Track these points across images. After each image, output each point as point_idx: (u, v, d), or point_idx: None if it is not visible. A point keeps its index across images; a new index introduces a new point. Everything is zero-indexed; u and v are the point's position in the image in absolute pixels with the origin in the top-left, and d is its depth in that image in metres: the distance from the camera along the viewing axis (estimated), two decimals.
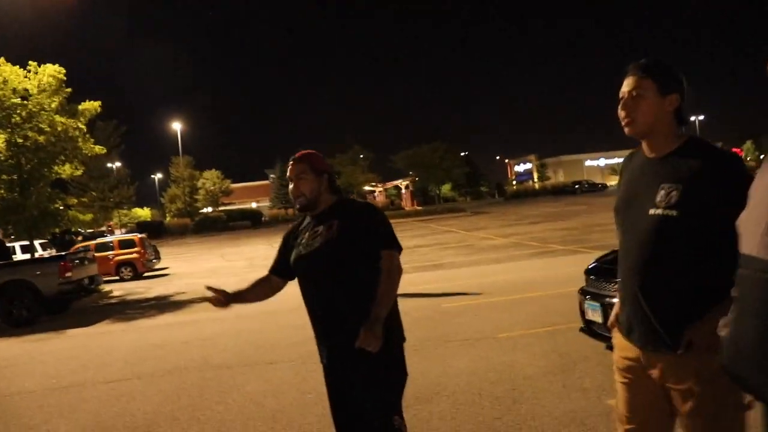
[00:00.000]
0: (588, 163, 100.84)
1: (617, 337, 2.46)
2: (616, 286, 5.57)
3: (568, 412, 4.58)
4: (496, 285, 11.39)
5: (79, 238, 43.06)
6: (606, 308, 5.60)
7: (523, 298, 9.63)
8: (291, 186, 3.09)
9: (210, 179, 74.70)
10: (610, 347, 5.46)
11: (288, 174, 3.09)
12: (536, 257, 15.72)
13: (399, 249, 2.96)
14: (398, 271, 2.89)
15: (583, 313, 6.11)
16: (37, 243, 19.99)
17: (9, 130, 15.19)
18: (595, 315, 5.81)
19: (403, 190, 70.94)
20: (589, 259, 13.57)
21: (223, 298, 3.17)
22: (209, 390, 6.15)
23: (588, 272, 6.30)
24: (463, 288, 11.30)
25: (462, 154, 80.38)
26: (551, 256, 15.56)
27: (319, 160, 3.13)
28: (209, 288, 3.17)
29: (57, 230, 20.41)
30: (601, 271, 6.07)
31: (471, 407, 4.91)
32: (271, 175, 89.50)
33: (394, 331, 2.90)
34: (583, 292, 6.20)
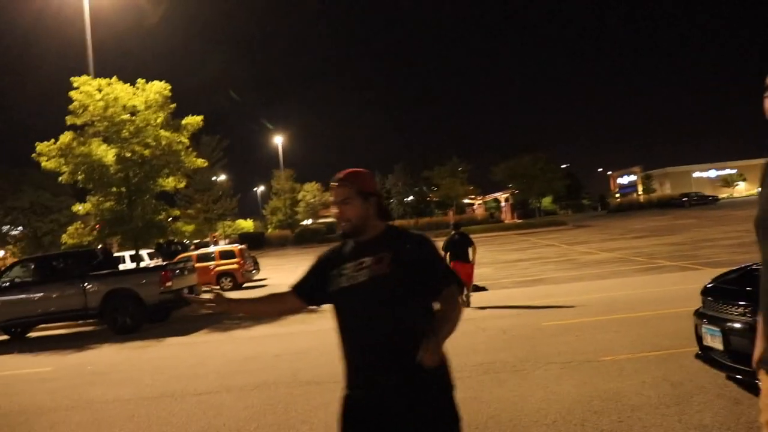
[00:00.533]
0: (696, 174, 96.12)
1: (765, 381, 1.97)
2: (740, 310, 5.06)
3: None
4: (599, 302, 10.73)
5: (192, 247, 44.74)
6: (727, 334, 5.04)
7: (628, 318, 8.98)
8: (334, 210, 2.74)
9: (310, 192, 76.19)
10: (733, 378, 4.88)
11: (332, 197, 2.75)
12: (642, 273, 14.85)
13: (457, 284, 2.64)
14: (458, 309, 2.56)
15: (699, 338, 5.53)
16: (144, 252, 20.76)
17: (118, 144, 15.84)
18: (714, 341, 5.23)
19: (503, 203, 69.76)
20: (700, 277, 12.83)
21: (216, 301, 2.87)
22: (296, 407, 5.98)
23: (706, 293, 5.69)
24: (564, 304, 10.73)
25: (563, 165, 78.47)
26: (658, 273, 14.65)
27: (367, 181, 2.77)
28: (206, 291, 2.96)
29: (162, 240, 21.15)
30: (722, 292, 5.47)
31: None
32: None
33: (448, 375, 2.63)
34: (699, 314, 5.61)
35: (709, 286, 5.76)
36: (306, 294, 2.91)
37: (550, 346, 7.65)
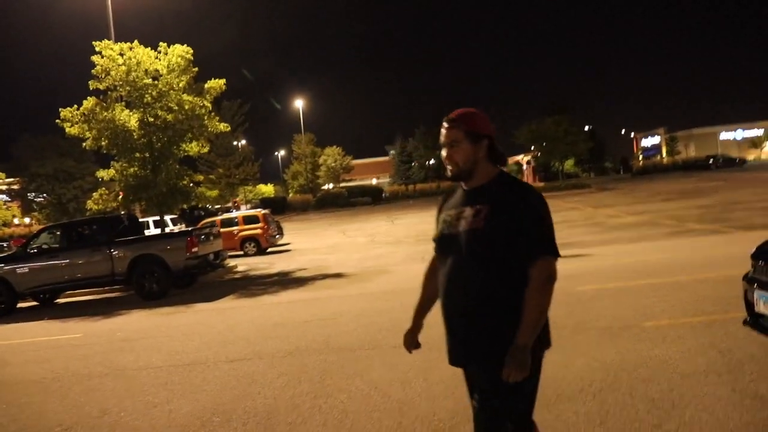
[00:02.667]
0: (723, 135, 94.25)
1: None
2: None
3: (745, 424, 3.89)
4: (632, 266, 10.49)
5: (219, 211, 44.92)
6: None
7: (665, 283, 8.72)
8: (443, 152, 2.59)
9: (331, 156, 76.04)
10: None
11: (441, 139, 2.59)
12: (673, 237, 14.52)
13: (556, 255, 2.44)
14: (551, 283, 2.39)
15: (750, 304, 5.28)
16: (167, 218, 20.76)
17: (141, 109, 15.69)
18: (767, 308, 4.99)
19: (525, 166, 69.06)
20: (733, 240, 12.59)
21: (413, 339, 2.92)
22: (331, 375, 5.86)
23: (757, 256, 5.41)
24: (596, 269, 10.51)
25: (586, 128, 77.33)
26: (690, 236, 14.31)
27: (478, 122, 2.57)
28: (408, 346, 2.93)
29: (186, 206, 21.13)
30: None
31: (623, 410, 4.31)
32: (391, 152, 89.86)
33: (540, 334, 2.47)
34: (750, 279, 5.35)
35: (761, 249, 5.48)
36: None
37: (587, 311, 7.45)
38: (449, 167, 2.58)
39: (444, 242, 2.57)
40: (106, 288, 14.84)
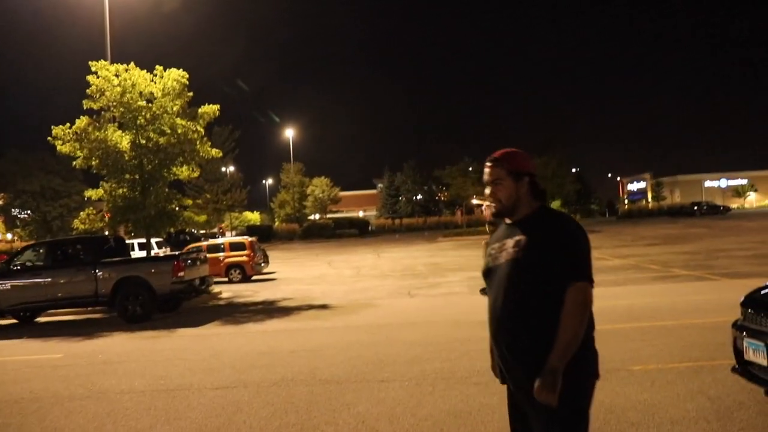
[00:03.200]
0: (708, 183, 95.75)
1: None
2: None
3: None
4: (618, 309, 10.50)
5: (219, 229, 44.68)
6: None
7: (652, 327, 8.76)
8: (486, 190, 2.73)
9: (319, 186, 76.11)
10: None
11: (485, 177, 2.73)
12: (658, 282, 14.61)
13: (591, 281, 2.52)
14: (585, 308, 2.46)
15: (739, 351, 5.31)
16: (153, 241, 20.62)
17: (134, 131, 15.68)
18: (757, 356, 5.00)
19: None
20: (718, 288, 12.68)
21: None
22: (318, 407, 5.79)
23: (746, 304, 5.45)
24: None
25: (573, 170, 78.09)
26: (675, 282, 14.41)
27: (520, 161, 2.71)
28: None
29: (173, 229, 21.03)
30: (764, 305, 5.23)
31: None
32: (379, 185, 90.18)
33: (581, 363, 2.50)
34: (739, 327, 5.38)
35: (751, 297, 5.53)
36: None
37: None
38: (493, 204, 2.71)
39: (489, 274, 2.70)
40: (88, 308, 14.64)
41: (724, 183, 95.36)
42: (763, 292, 5.61)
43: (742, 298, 5.53)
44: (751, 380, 5.10)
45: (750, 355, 5.09)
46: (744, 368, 5.21)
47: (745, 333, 5.21)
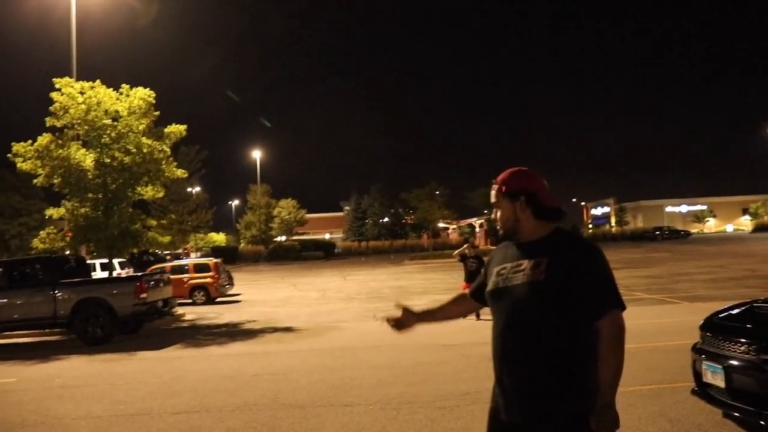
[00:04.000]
0: (669, 209, 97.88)
1: None
2: (743, 348, 4.93)
3: None
4: None
5: (168, 258, 44.05)
6: (730, 372, 4.90)
7: None
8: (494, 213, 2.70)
9: (286, 208, 75.73)
10: (731, 416, 4.74)
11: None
12: None
13: (623, 307, 2.43)
14: (623, 334, 2.38)
15: (698, 374, 5.38)
16: (115, 261, 20.27)
17: (98, 149, 15.46)
18: (715, 378, 5.08)
19: (478, 229, 69.96)
20: (679, 311, 12.90)
21: (405, 319, 2.89)
22: None
23: (704, 328, 5.55)
24: None
25: None
26: (637, 305, 14.60)
27: (515, 180, 2.61)
28: (397, 305, 2.90)
29: (135, 250, 20.69)
30: (723, 328, 5.33)
31: None
32: (346, 207, 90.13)
33: (583, 393, 2.38)
34: (698, 350, 5.47)
35: (709, 321, 5.64)
36: (478, 295, 2.81)
37: None
38: (498, 226, 2.65)
39: (499, 295, 2.55)
40: (45, 330, 14.26)
41: (684, 209, 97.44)
42: (721, 315, 5.73)
43: (701, 322, 5.64)
44: (710, 402, 5.17)
45: (709, 378, 5.17)
46: (703, 390, 5.29)
47: (704, 356, 5.29)
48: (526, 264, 2.46)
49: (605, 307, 2.37)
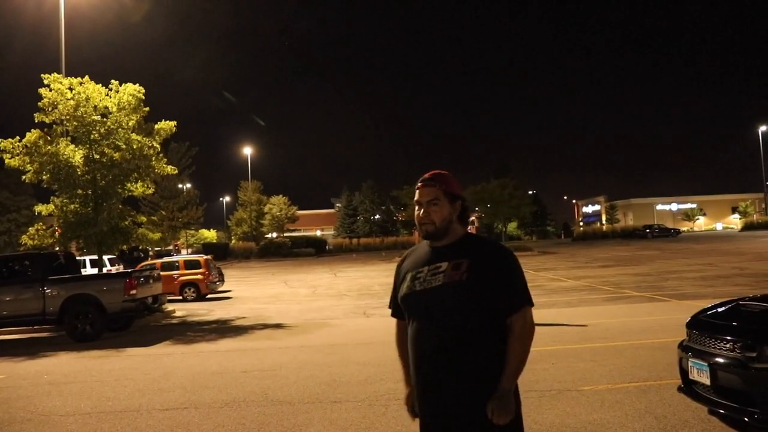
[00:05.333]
0: (659, 207, 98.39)
1: None
2: (729, 346, 4.98)
3: None
4: (571, 330, 10.66)
5: (151, 253, 43.91)
6: (715, 369, 4.94)
7: (603, 347, 8.90)
8: (419, 211, 2.65)
9: (277, 205, 75.60)
10: (716, 413, 4.79)
11: (417, 197, 2.66)
12: (610, 302, 14.88)
13: (531, 304, 2.56)
14: (532, 332, 2.54)
15: (684, 371, 5.43)
16: (105, 258, 20.21)
17: (87, 146, 15.41)
18: (701, 376, 5.12)
19: (469, 227, 70.11)
20: (668, 308, 12.98)
21: (413, 397, 2.75)
22: (269, 428, 5.72)
23: (691, 325, 5.60)
24: (536, 331, 10.61)
25: (530, 192, 79.25)
26: (626, 302, 14.69)
27: (455, 184, 2.69)
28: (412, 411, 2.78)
29: (125, 247, 20.63)
30: (709, 326, 5.37)
31: None
32: (337, 204, 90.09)
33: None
34: (685, 347, 5.51)
35: (696, 319, 5.68)
36: (400, 312, 2.80)
37: (526, 373, 7.42)
38: (425, 226, 2.62)
39: (414, 299, 2.58)
40: (34, 327, 14.21)
41: (674, 207, 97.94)
42: (707, 313, 5.77)
43: (688, 320, 5.69)
44: (696, 399, 5.22)
45: (695, 375, 5.22)
46: (689, 388, 5.34)
47: (690, 353, 5.34)
48: (445, 266, 2.53)
49: (519, 304, 2.51)
